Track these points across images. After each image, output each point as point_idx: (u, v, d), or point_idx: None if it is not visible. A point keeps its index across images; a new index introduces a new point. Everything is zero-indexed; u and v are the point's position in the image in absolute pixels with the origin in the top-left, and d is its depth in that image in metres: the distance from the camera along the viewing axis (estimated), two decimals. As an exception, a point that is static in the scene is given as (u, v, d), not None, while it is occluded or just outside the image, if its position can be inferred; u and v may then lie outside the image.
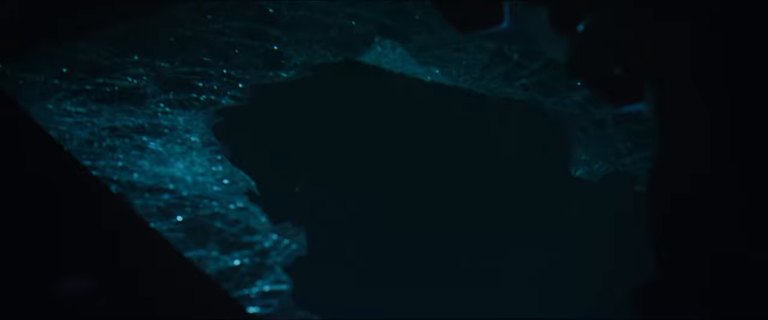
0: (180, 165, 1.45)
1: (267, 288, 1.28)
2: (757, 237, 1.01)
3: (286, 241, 1.34)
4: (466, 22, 1.30)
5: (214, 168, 1.45)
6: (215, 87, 1.57)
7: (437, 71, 1.61)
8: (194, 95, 1.56)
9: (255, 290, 1.28)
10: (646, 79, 1.17)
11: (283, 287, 1.29)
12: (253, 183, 1.43)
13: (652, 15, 1.16)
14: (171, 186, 1.41)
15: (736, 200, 1.04)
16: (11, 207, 1.27)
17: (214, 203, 1.39)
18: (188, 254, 1.30)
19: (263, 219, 1.37)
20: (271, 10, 1.68)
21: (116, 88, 1.55)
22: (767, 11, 1.09)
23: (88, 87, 1.54)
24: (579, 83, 1.41)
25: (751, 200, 1.04)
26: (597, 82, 1.20)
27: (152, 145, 1.47)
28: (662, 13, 1.14)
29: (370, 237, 1.38)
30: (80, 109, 1.51)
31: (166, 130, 1.50)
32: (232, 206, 1.39)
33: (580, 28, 1.21)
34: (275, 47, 1.64)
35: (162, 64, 1.59)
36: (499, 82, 1.60)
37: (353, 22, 1.67)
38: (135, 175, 1.42)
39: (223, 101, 1.56)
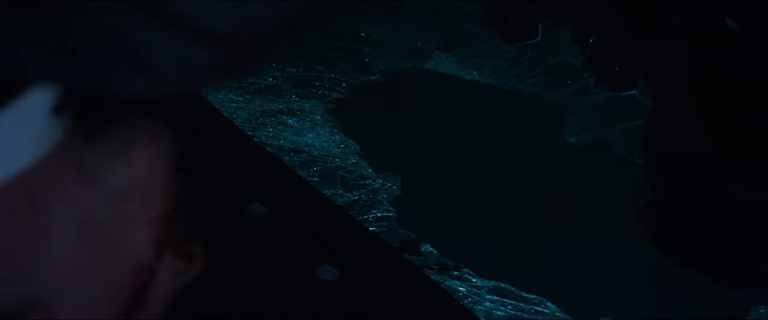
0: (310, 135, 1.45)
1: (379, 214, 1.29)
2: (727, 177, 1.01)
3: (388, 184, 1.35)
4: (512, 37, 1.31)
5: (332, 138, 1.45)
6: (327, 85, 1.58)
7: (475, 73, 1.62)
8: (314, 90, 1.56)
9: (371, 216, 1.29)
10: (637, 73, 1.18)
11: (390, 214, 1.29)
12: (358, 147, 1.44)
13: (636, 33, 1.16)
14: (306, 148, 1.42)
15: (708, 148, 1.05)
16: (208, 159, 1.28)
17: (337, 160, 1.40)
18: (325, 191, 1.30)
19: (370, 170, 1.38)
20: (363, 34, 1.68)
21: (262, 85, 1.55)
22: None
23: (244, 84, 1.55)
24: (592, 77, 1.40)
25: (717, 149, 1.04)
26: (604, 76, 1.21)
27: (290, 121, 1.48)
28: (643, 31, 1.15)
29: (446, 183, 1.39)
30: (240, 98, 1.51)
31: (298, 112, 1.51)
32: (348, 161, 1.40)
33: (591, 41, 1.21)
34: (366, 59, 1.64)
35: (291, 70, 1.59)
36: (515, 80, 1.61)
37: (419, 43, 1.67)
38: (281, 141, 1.43)
39: (334, 95, 1.56)
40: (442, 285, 1.15)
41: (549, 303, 1.16)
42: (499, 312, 1.14)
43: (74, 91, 0.49)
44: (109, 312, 0.58)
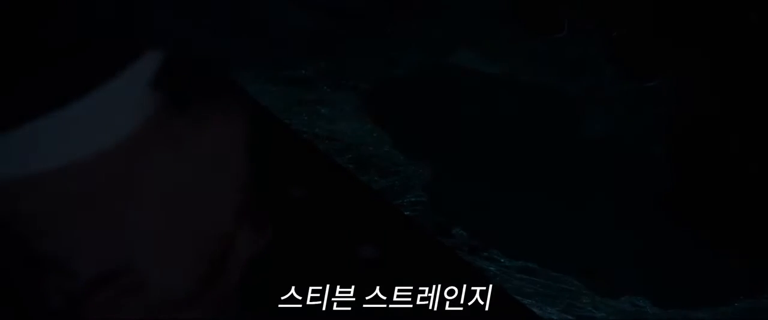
0: (343, 123, 1.45)
1: (413, 199, 1.29)
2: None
3: (420, 171, 1.35)
4: (537, 31, 1.32)
5: (364, 127, 1.45)
6: (357, 77, 1.58)
7: (497, 66, 1.62)
8: (344, 82, 1.56)
9: (405, 201, 1.29)
10: (659, 65, 1.19)
11: (423, 199, 1.30)
12: (388, 136, 1.44)
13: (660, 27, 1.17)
14: (340, 136, 1.42)
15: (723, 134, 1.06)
16: (247, 145, 1.28)
17: (370, 147, 1.40)
18: (361, 178, 1.31)
19: (403, 158, 1.38)
20: (388, 30, 1.68)
21: (296, 77, 1.56)
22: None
23: (279, 75, 1.55)
24: (614, 69, 1.40)
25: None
26: (626, 68, 1.22)
27: (323, 111, 1.48)
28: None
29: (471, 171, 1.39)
30: (275, 88, 1.52)
31: (331, 102, 1.51)
32: (382, 150, 1.40)
33: (614, 34, 1.22)
34: (392, 53, 1.64)
35: (322, 62, 1.60)
36: (537, 73, 1.60)
37: (442, 38, 1.67)
38: (316, 129, 1.43)
39: (363, 86, 1.56)
40: (474, 265, 1.16)
41: (575, 281, 1.16)
42: (528, 289, 1.15)
43: (172, 63, 0.50)
44: (193, 278, 0.58)
